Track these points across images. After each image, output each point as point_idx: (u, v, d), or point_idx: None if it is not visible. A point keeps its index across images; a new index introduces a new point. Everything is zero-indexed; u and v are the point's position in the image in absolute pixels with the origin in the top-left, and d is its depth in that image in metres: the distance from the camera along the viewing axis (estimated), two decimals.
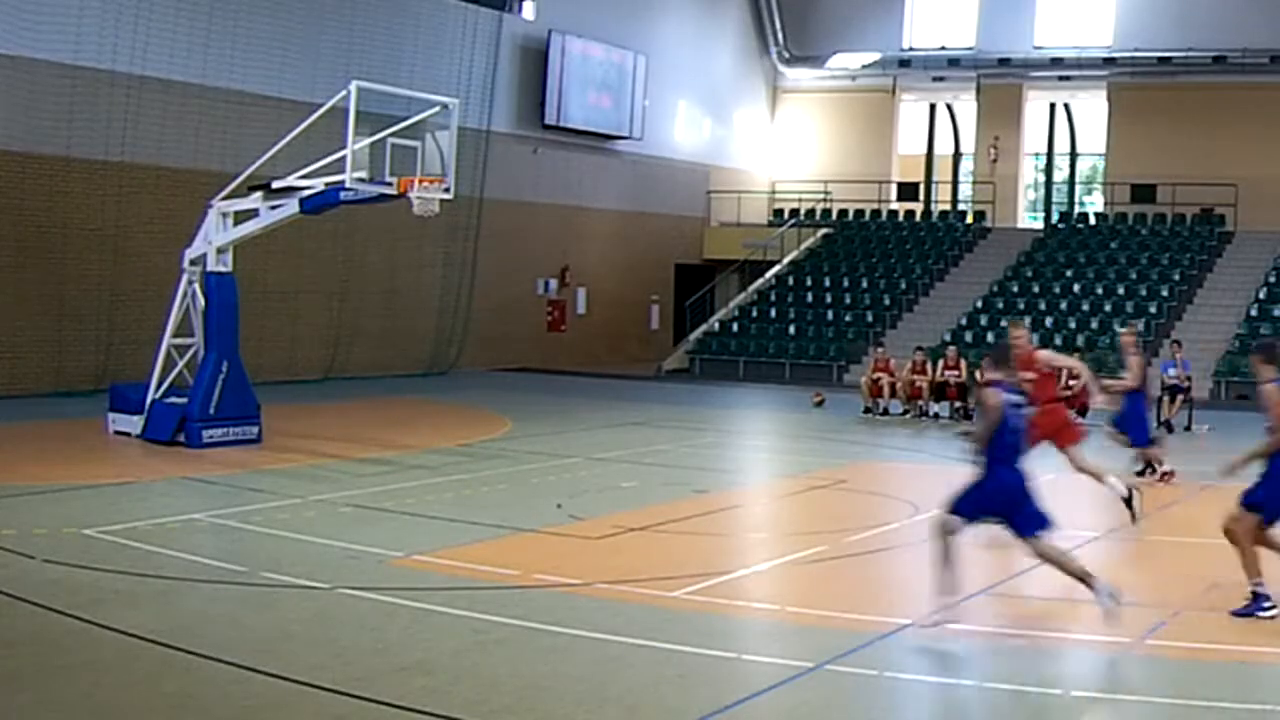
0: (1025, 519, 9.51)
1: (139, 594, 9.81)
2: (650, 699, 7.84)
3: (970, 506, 9.54)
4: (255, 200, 17.98)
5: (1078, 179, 41.20)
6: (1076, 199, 40.64)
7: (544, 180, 33.98)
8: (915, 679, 8.44)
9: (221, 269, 18.07)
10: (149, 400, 18.01)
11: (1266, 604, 9.50)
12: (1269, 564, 9.67)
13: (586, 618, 9.40)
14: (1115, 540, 13.26)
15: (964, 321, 32.83)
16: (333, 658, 8.35)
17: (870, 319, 33.98)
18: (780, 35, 41.35)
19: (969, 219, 38.96)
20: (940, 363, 24.41)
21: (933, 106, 41.27)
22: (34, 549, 10.96)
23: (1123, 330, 19.17)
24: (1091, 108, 39.03)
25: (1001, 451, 9.46)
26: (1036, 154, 40.38)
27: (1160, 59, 36.07)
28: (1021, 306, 33.18)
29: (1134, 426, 16.69)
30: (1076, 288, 33.56)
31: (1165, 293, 32.74)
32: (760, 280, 36.97)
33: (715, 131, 40.18)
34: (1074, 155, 40.39)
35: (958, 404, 24.09)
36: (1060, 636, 9.46)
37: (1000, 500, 9.50)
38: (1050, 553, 9.53)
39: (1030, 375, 13.23)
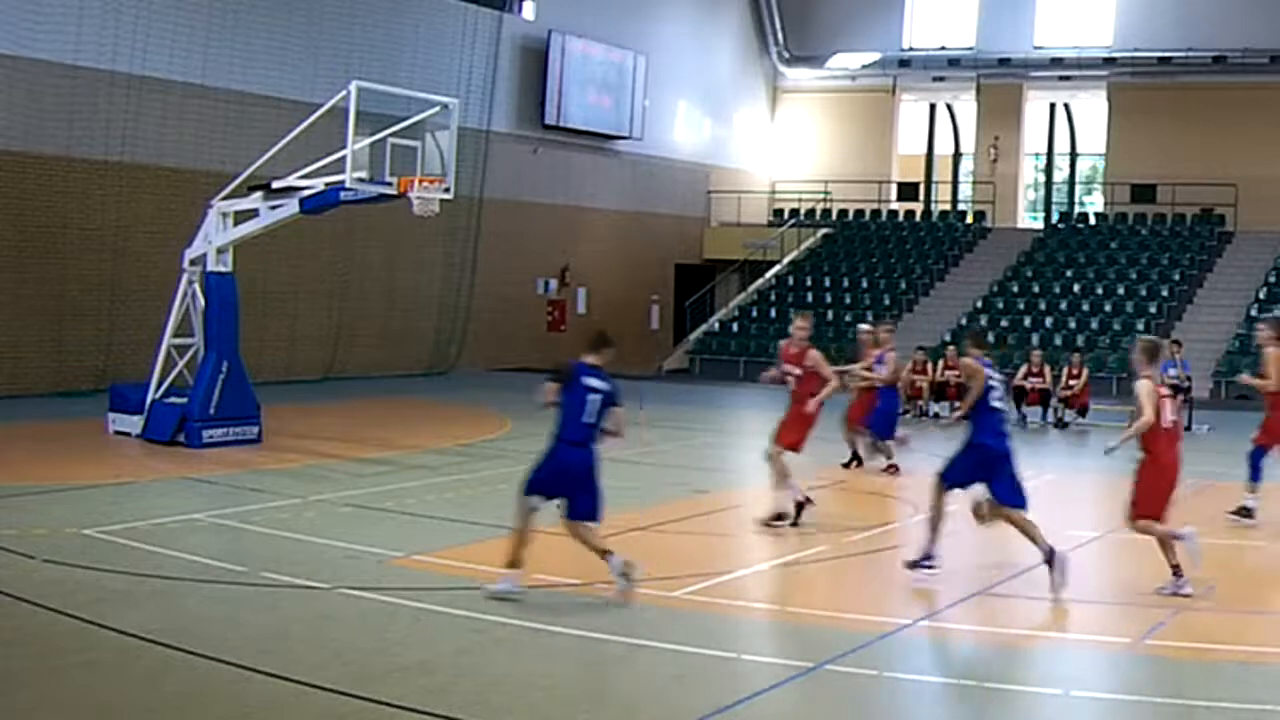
0: (582, 499, 10.17)
1: (139, 594, 9.81)
2: (650, 699, 7.84)
3: (537, 482, 10.22)
4: (255, 200, 17.96)
5: (1078, 179, 41.20)
6: (1076, 199, 40.64)
7: (544, 180, 33.96)
8: (915, 679, 8.44)
9: (221, 269, 18.06)
10: (149, 400, 18.00)
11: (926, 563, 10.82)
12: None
13: (586, 618, 9.40)
14: (1114, 540, 13.25)
15: (964, 321, 32.81)
16: (333, 658, 8.35)
17: (870, 319, 33.93)
18: (780, 35, 41.34)
19: (969, 219, 38.96)
20: (940, 363, 24.42)
21: (933, 106, 41.27)
22: (34, 549, 10.96)
23: (869, 328, 18.44)
24: (1091, 108, 39.03)
25: (569, 431, 10.14)
26: (1036, 154, 40.37)
27: (1160, 59, 36.06)
28: (1021, 306, 33.20)
29: (879, 422, 17.04)
30: (1076, 288, 33.57)
31: (1165, 293, 32.74)
32: (760, 280, 36.98)
33: (715, 131, 40.16)
34: (1074, 155, 40.38)
35: (957, 403, 24.08)
36: (1060, 636, 9.46)
37: (565, 479, 10.13)
38: (580, 535, 10.21)
39: (796, 370, 13.49)
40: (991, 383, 10.94)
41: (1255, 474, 14.03)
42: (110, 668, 8.14)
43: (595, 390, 10.10)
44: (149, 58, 23.92)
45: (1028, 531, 10.64)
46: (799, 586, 11.21)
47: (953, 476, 10.98)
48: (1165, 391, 10.81)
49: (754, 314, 35.62)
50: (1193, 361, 25.33)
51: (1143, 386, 10.64)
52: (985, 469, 10.81)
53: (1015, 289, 34.22)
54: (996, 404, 10.97)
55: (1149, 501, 10.64)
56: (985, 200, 38.79)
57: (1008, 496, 10.78)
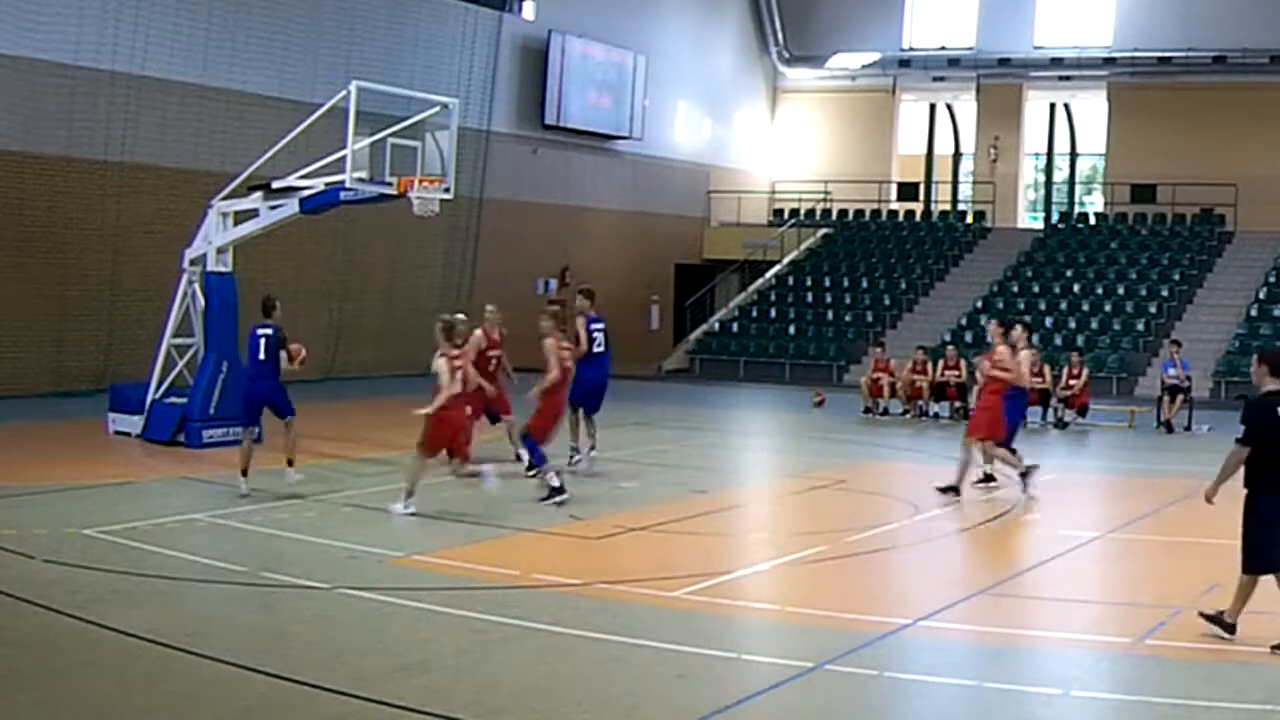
0: (279, 410, 14.55)
1: (139, 594, 9.81)
2: (650, 699, 7.84)
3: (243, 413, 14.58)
4: (255, 200, 17.97)
5: (1078, 179, 41.20)
6: (1076, 199, 40.64)
7: (544, 180, 33.95)
8: (915, 679, 8.43)
9: (221, 269, 18.07)
10: (149, 400, 18.00)
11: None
12: None
13: (586, 618, 9.40)
14: (1114, 540, 13.27)
15: (964, 321, 32.81)
16: (333, 658, 8.35)
17: (870, 319, 33.97)
18: (780, 35, 41.34)
19: (969, 219, 38.95)
20: (940, 363, 24.41)
21: (933, 106, 41.27)
22: (34, 549, 10.96)
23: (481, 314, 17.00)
24: (1091, 108, 39.03)
25: (251, 369, 14.55)
26: (1036, 154, 40.37)
27: (1160, 59, 36.05)
28: (1021, 306, 33.18)
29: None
30: (1076, 288, 33.56)
31: (1165, 293, 32.74)
32: (760, 280, 36.96)
33: (715, 131, 40.15)
34: (1074, 155, 40.39)
35: (957, 404, 24.09)
36: (1060, 636, 9.46)
37: (256, 403, 14.50)
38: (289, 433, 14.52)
39: (497, 352, 15.94)
40: (594, 332, 15.93)
41: (535, 455, 14.53)
42: (110, 668, 8.14)
43: (262, 335, 14.33)
44: (149, 58, 23.91)
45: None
46: (799, 586, 11.21)
47: (574, 399, 15.64)
48: (458, 364, 13.47)
49: (754, 314, 35.62)
50: (1193, 361, 25.32)
51: (439, 364, 13.28)
52: (590, 395, 15.83)
53: (1015, 289, 34.22)
54: (597, 349, 16.01)
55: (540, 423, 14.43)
56: (985, 200, 38.78)
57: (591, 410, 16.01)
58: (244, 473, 13.84)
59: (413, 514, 13.04)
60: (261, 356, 14.41)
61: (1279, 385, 9.13)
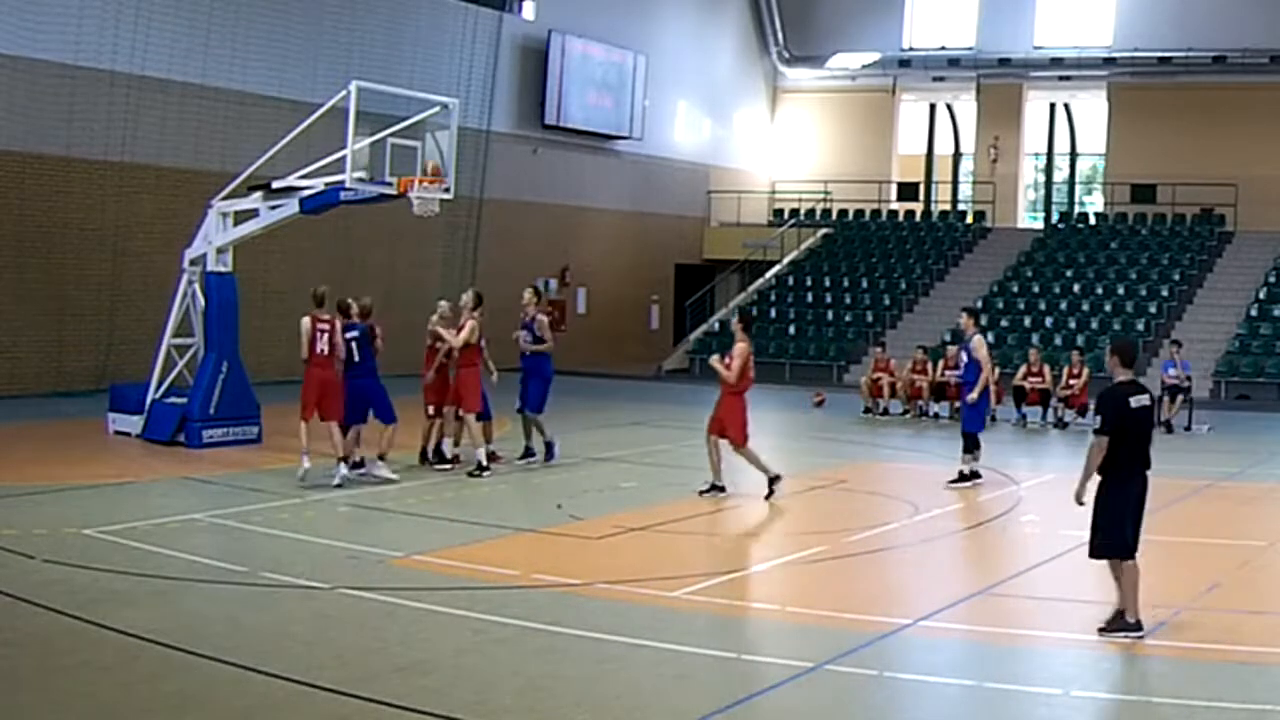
0: (379, 411, 15.60)
1: (139, 594, 9.82)
2: (650, 699, 7.84)
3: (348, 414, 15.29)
4: (255, 200, 17.97)
5: (1078, 179, 41.20)
6: (1076, 199, 40.64)
7: (544, 180, 33.95)
8: (915, 679, 8.44)
9: (221, 269, 18.07)
10: (149, 400, 18.01)
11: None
12: None
13: (586, 618, 9.40)
14: None
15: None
16: (333, 658, 8.36)
17: (870, 319, 33.96)
18: (780, 35, 41.34)
19: (969, 219, 38.94)
20: (940, 363, 24.40)
21: (933, 106, 41.27)
22: (34, 549, 10.97)
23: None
24: (1091, 108, 39.03)
25: (348, 370, 15.32)
26: (1036, 154, 40.37)
27: (1160, 59, 36.05)
28: (1021, 306, 33.20)
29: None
30: (1076, 288, 33.55)
31: (1165, 293, 32.74)
32: (760, 280, 36.95)
33: (715, 131, 40.15)
34: (1074, 155, 40.39)
35: (958, 403, 24.06)
36: (1060, 636, 9.46)
37: (360, 402, 15.43)
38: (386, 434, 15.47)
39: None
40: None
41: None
42: (110, 668, 8.14)
43: (350, 337, 15.23)
44: (149, 58, 23.91)
45: (537, 427, 16.66)
46: (799, 586, 11.21)
47: (533, 404, 16.55)
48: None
49: (754, 314, 35.54)
50: (1193, 361, 25.32)
51: (304, 323, 15.23)
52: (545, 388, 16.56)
53: (1015, 289, 34.21)
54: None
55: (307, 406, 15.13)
56: (985, 200, 38.78)
57: (534, 404, 16.59)
58: (344, 459, 14.92)
59: (345, 478, 14.66)
60: (356, 358, 15.32)
61: (1131, 375, 9.30)
